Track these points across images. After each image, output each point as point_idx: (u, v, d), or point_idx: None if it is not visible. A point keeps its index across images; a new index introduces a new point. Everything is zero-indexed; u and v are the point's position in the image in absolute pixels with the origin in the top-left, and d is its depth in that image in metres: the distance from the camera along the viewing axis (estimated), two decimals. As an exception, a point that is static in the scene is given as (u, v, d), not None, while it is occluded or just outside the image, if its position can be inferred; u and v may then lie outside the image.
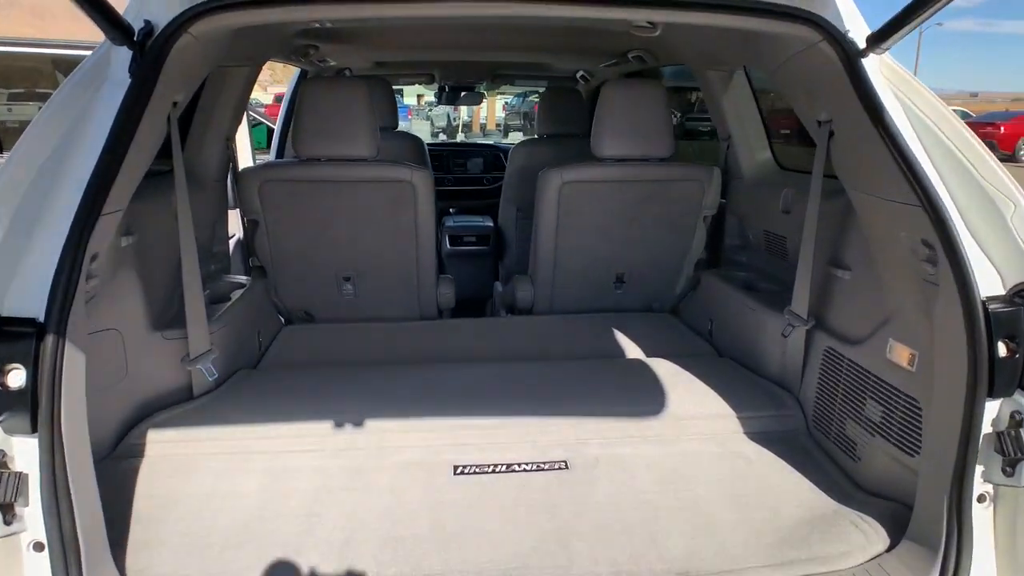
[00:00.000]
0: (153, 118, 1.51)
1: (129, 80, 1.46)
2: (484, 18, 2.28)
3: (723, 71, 2.61)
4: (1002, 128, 19.46)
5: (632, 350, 2.47)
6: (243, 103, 2.63)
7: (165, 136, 1.75)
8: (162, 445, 1.79)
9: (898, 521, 1.54)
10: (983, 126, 18.86)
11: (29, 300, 1.20)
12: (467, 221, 4.27)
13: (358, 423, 1.90)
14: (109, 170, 1.34)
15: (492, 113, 19.34)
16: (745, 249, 2.77)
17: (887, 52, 1.56)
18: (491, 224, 4.26)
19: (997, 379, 1.31)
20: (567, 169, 2.58)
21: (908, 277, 1.55)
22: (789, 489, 1.70)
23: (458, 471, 1.76)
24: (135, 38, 1.45)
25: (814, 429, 1.97)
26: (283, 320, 2.77)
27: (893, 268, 1.61)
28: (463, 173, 5.11)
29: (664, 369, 2.21)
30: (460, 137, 13.93)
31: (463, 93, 4.88)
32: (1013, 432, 1.30)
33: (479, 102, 5.00)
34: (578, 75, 4.37)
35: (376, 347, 2.50)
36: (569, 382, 2.13)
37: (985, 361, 1.30)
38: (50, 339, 1.18)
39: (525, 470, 1.76)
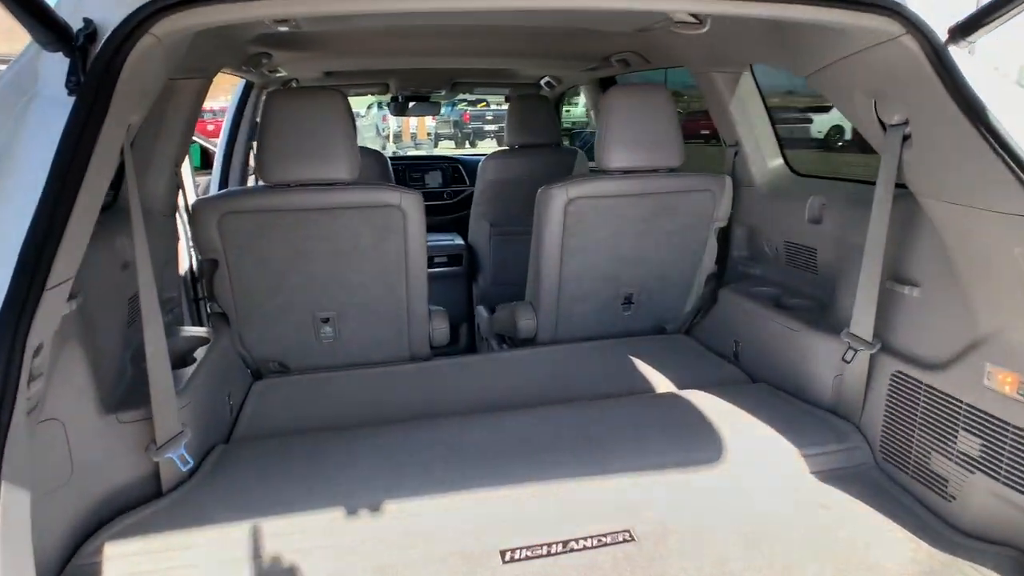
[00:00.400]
0: (105, 148, 1.16)
1: (69, 99, 1.11)
2: (506, 13, 2.00)
3: (730, 72, 2.42)
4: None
5: (659, 381, 2.23)
6: (193, 122, 2.24)
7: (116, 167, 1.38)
8: (125, 561, 1.39)
9: (1019, 569, 1.36)
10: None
11: None
12: (434, 240, 3.95)
13: (375, 506, 1.57)
14: (52, 228, 0.99)
15: (423, 122, 19.00)
16: (757, 261, 2.59)
17: (972, 45, 1.38)
18: (461, 242, 3.96)
19: None
20: (572, 184, 2.32)
21: (1020, 296, 1.37)
22: (886, 540, 1.49)
23: (508, 558, 1.46)
24: (74, 42, 1.10)
25: (883, 462, 1.78)
26: (251, 375, 2.38)
27: (997, 286, 1.43)
28: (421, 188, 4.78)
29: (704, 403, 1.98)
30: (391, 149, 13.50)
31: (411, 104, 4.56)
32: None
33: (436, 112, 4.69)
34: (543, 82, 4.14)
35: (370, 399, 2.15)
36: (608, 428, 1.86)
37: None
38: None
39: (586, 547, 1.48)
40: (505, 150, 3.73)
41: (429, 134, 19.34)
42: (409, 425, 1.90)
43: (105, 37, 1.12)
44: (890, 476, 1.75)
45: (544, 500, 1.60)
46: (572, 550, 1.47)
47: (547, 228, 2.39)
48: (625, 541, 1.49)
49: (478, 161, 4.95)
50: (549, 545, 1.48)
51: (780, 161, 2.51)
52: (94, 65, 1.11)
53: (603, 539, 1.49)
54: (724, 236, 2.61)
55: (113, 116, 1.12)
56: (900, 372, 1.72)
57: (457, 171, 4.92)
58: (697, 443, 1.79)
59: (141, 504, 1.54)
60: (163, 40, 1.21)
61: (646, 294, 2.62)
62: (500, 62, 3.53)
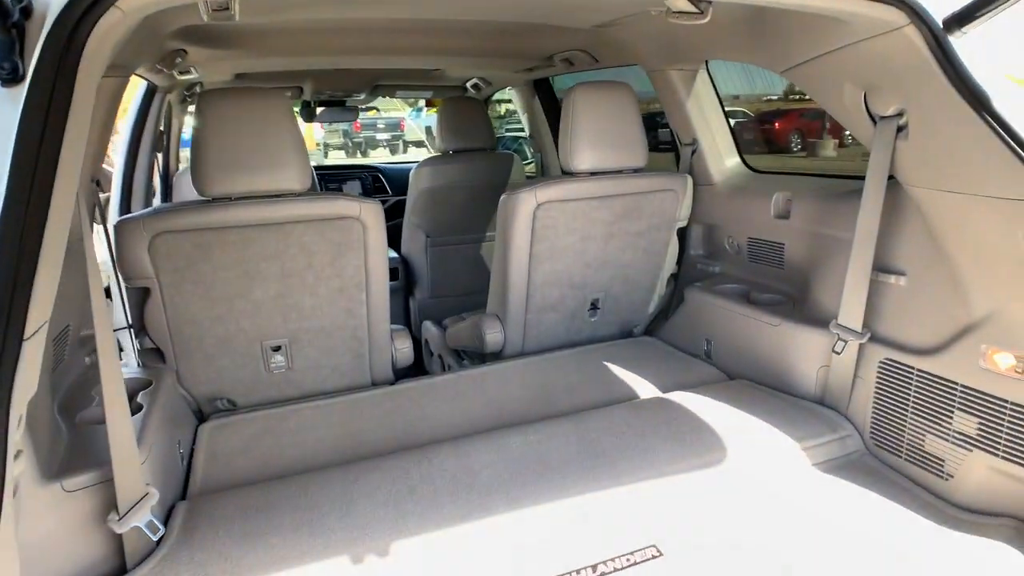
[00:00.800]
0: (72, 148, 0.93)
1: (11, 93, 0.88)
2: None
3: (687, 70, 2.42)
4: (776, 124, 22.22)
5: (640, 385, 2.17)
6: (110, 129, 1.94)
7: None
8: None
9: (1021, 535, 1.42)
10: (761, 123, 21.35)
11: None
12: None
13: (383, 551, 1.40)
14: (20, 262, 0.77)
15: (310, 131, 18.24)
16: (716, 259, 2.61)
17: (966, 35, 1.42)
18: (395, 255, 3.76)
19: None
20: (540, 188, 2.22)
21: (1020, 277, 1.42)
22: (893, 523, 1.51)
23: None
24: (7, 18, 0.88)
25: (874, 448, 1.81)
26: (195, 416, 2.09)
27: (995, 270, 1.48)
28: None
29: (695, 404, 1.95)
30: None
31: (320, 109, 4.29)
32: None
33: (353, 118, 4.44)
34: (469, 84, 4.02)
35: (340, 433, 1.94)
36: (611, 439, 1.78)
37: None
38: None
39: (616, 569, 1.39)
40: (438, 156, 3.57)
41: (318, 144, 18.58)
42: (400, 457, 1.72)
43: (60, 9, 0.89)
44: (883, 461, 1.78)
45: (564, 522, 1.50)
46: (603, 574, 1.37)
47: (514, 235, 2.27)
48: (654, 557, 1.42)
49: (400, 169, 4.75)
50: (579, 571, 1.37)
51: (737, 159, 2.54)
52: (47, 47, 0.89)
53: (631, 558, 1.41)
54: (680, 235, 2.61)
55: (76, 112, 0.90)
56: (889, 359, 1.76)
57: (378, 180, 4.69)
58: (701, 446, 1.75)
59: None
60: (127, 16, 0.99)
61: (612, 299, 2.57)
62: (431, 61, 3.37)
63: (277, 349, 2.13)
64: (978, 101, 1.35)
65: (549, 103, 3.78)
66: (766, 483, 1.65)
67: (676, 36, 2.25)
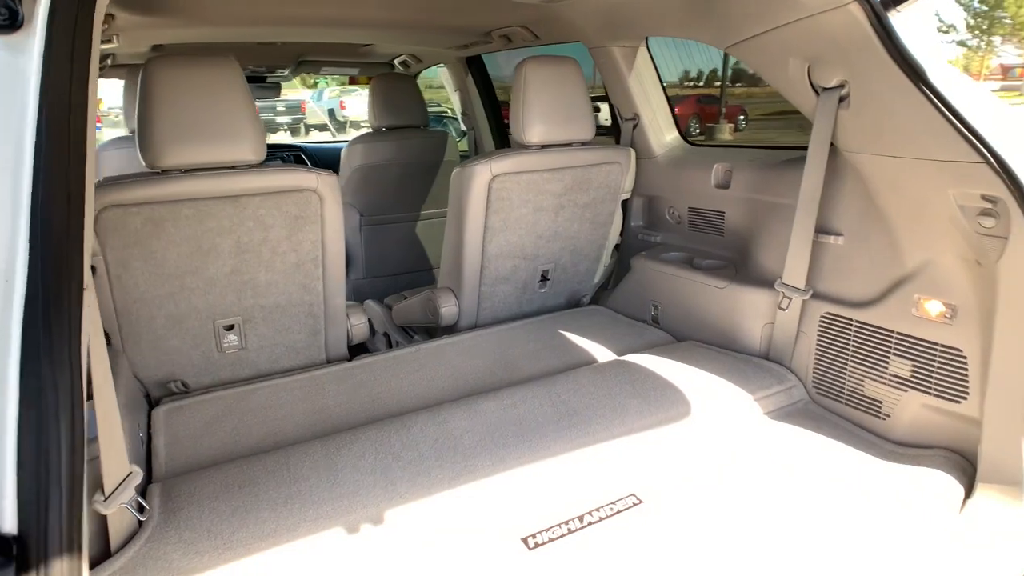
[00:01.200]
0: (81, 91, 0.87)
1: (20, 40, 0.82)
2: None
3: (628, 47, 2.50)
4: (676, 109, 23.25)
5: (597, 350, 2.26)
6: None
7: None
8: None
9: (951, 462, 1.62)
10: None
11: None
12: None
13: (376, 519, 1.40)
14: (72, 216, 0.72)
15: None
16: (656, 229, 2.73)
17: (900, 13, 1.57)
18: None
19: None
20: (496, 160, 2.24)
21: (949, 233, 1.59)
22: (844, 462, 1.67)
23: (532, 544, 1.38)
24: None
25: (817, 396, 1.98)
26: (147, 401, 1.98)
27: (926, 227, 1.65)
28: None
29: (653, 365, 2.05)
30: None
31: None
32: None
33: (276, 94, 4.24)
34: (397, 61, 3.95)
35: (308, 408, 1.89)
36: (581, 399, 1.84)
37: None
38: None
39: (601, 518, 1.46)
40: (371, 133, 3.50)
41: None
42: (378, 427, 1.71)
43: None
44: (825, 407, 1.95)
45: (548, 479, 1.55)
46: (589, 523, 1.44)
47: (469, 207, 2.28)
48: (635, 505, 1.50)
49: (325, 149, 4.61)
50: (567, 523, 1.44)
51: (676, 133, 2.66)
52: None
53: (614, 507, 1.49)
54: (623, 207, 2.71)
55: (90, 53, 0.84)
56: (830, 313, 1.92)
57: (300, 160, 4.52)
58: (665, 402, 1.85)
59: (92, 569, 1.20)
60: None
61: (561, 269, 2.63)
62: (362, 36, 3.29)
63: (230, 328, 2.04)
64: (915, 74, 1.50)
65: (482, 81, 3.78)
66: (726, 432, 1.77)
67: (618, 13, 2.32)
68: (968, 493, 1.55)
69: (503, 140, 3.88)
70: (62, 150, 0.77)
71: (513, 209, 2.35)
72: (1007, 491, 1.49)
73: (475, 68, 3.72)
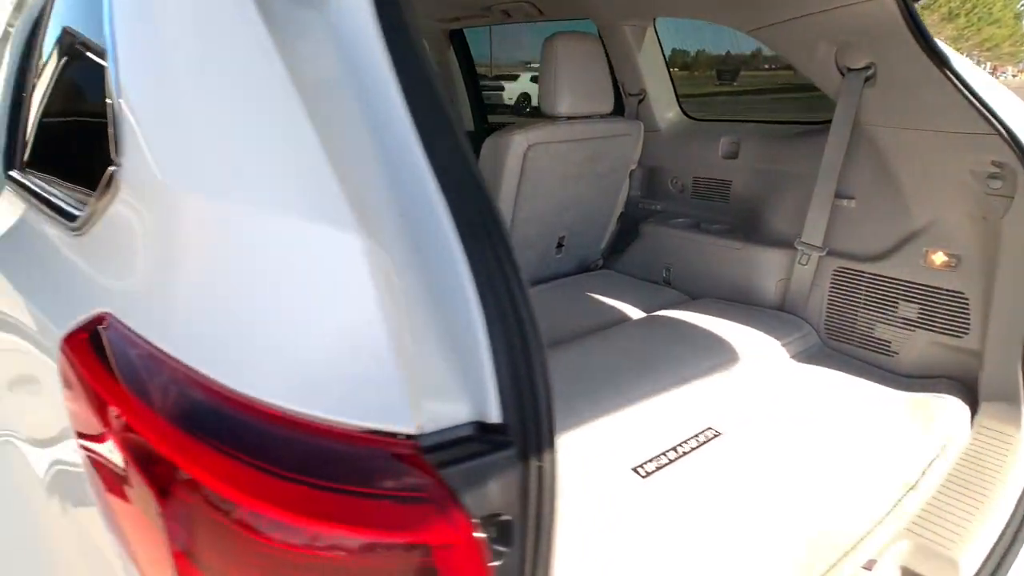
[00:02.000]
0: None
1: None
2: None
3: (639, 25, 2.66)
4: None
5: (628, 309, 2.43)
6: None
7: None
8: None
9: (956, 386, 1.93)
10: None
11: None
12: None
13: None
14: None
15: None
16: (657, 199, 2.93)
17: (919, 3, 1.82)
18: None
19: None
20: (531, 130, 2.35)
21: (958, 193, 1.88)
22: (862, 392, 1.94)
23: (643, 472, 1.55)
24: None
25: (828, 340, 2.26)
26: None
27: (936, 189, 1.93)
28: None
29: (686, 318, 2.25)
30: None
31: None
32: None
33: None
34: None
35: None
36: (639, 350, 2.01)
37: None
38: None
39: (693, 448, 1.65)
40: None
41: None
42: None
43: None
44: (838, 350, 2.23)
45: (632, 419, 1.71)
46: (685, 453, 1.62)
47: (504, 175, 2.38)
48: (716, 436, 1.69)
49: None
50: (666, 453, 1.61)
51: (678, 109, 2.86)
52: None
53: (698, 439, 1.67)
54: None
55: None
56: (842, 267, 2.20)
57: None
58: (710, 350, 2.05)
59: None
60: None
61: (574, 236, 2.78)
62: None
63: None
64: (939, 59, 1.76)
65: (464, 57, 3.82)
66: (767, 373, 2.00)
67: None
68: (974, 411, 1.86)
69: (482, 118, 3.95)
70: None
71: (542, 178, 2.47)
72: (1008, 408, 1.81)
73: (457, 42, 3.76)
